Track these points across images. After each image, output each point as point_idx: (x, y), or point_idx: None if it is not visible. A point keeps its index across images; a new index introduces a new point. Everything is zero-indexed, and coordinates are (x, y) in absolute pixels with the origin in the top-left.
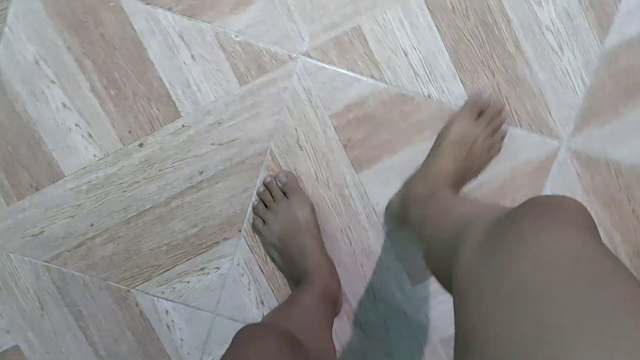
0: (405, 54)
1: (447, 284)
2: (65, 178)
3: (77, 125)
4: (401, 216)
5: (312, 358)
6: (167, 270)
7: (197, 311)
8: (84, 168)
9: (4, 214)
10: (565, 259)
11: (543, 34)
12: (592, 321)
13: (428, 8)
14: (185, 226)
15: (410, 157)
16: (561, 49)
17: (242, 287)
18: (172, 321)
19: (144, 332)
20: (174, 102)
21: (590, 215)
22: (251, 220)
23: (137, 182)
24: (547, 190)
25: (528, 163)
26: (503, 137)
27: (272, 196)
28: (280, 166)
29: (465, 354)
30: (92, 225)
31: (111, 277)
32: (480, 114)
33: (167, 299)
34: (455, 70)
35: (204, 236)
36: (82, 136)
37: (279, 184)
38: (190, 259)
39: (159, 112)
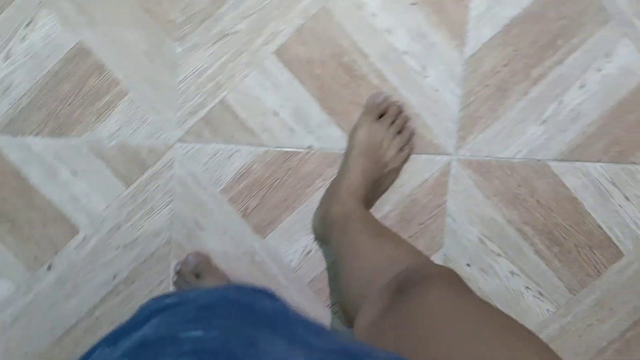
0: (276, 113)
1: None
2: None
3: None
4: (324, 236)
5: None
6: None
7: None
8: None
9: None
10: (449, 310)
11: (402, 60)
12: (473, 352)
13: (284, 65)
14: None
15: (310, 209)
16: (424, 68)
17: None
18: None
19: None
20: (69, 220)
21: (458, 275)
22: None
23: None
24: (450, 206)
25: (424, 184)
26: (412, 134)
27: (187, 282)
28: (187, 251)
29: None
30: (26, 353)
31: None
32: (382, 116)
33: None
34: (328, 116)
35: None
36: None
37: (189, 268)
38: None
39: (55, 233)
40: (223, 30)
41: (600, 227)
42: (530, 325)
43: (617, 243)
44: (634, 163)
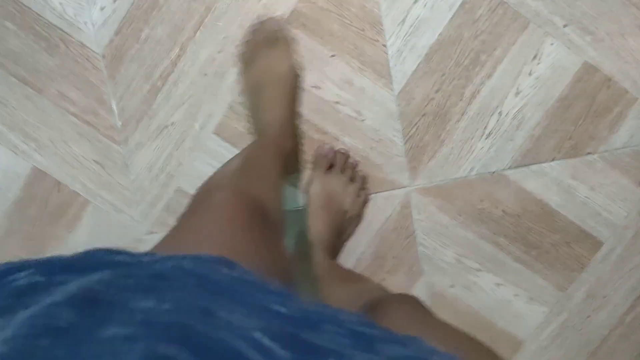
0: None
1: None
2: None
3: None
4: None
5: (274, 228)
6: None
7: None
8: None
9: None
10: (412, 328)
11: (337, 110)
12: None
13: (226, 141)
14: None
15: None
16: (359, 113)
17: None
18: None
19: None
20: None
21: (420, 300)
22: None
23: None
24: (419, 235)
25: (389, 220)
26: (364, 178)
27: (261, 39)
28: None
29: None
30: None
31: None
32: (331, 166)
33: None
34: None
35: None
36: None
37: (271, 30)
38: None
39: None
40: (160, 124)
41: (572, 222)
42: (527, 330)
43: (594, 233)
44: (590, 153)
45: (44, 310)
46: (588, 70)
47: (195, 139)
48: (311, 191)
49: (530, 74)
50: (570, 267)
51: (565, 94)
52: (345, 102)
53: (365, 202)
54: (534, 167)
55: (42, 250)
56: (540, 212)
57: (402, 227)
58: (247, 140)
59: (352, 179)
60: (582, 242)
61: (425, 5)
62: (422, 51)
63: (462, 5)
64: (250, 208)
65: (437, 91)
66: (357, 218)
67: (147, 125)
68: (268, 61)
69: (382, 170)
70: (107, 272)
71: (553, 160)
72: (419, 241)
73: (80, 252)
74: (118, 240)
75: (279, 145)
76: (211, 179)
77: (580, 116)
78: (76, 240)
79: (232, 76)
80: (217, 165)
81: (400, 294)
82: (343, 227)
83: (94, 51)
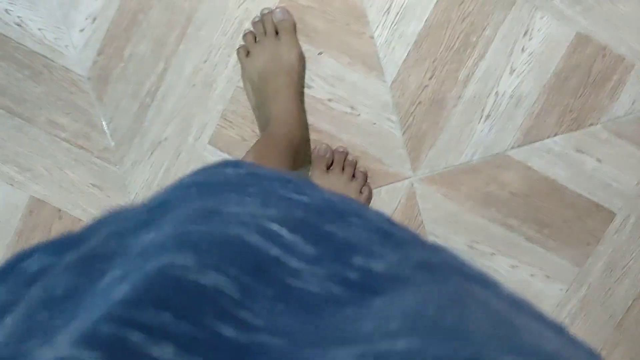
0: None
1: None
2: None
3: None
4: None
5: None
6: None
7: None
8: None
9: None
10: None
11: (330, 107)
12: None
13: (222, 150)
14: None
15: None
16: (353, 108)
17: None
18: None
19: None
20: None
21: None
22: None
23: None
24: (428, 224)
25: (396, 213)
26: (365, 174)
27: (265, 30)
28: None
29: None
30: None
31: None
32: (330, 166)
33: None
34: None
35: None
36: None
37: (275, 20)
38: None
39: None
40: (154, 140)
41: (582, 196)
42: (547, 308)
43: (606, 205)
44: (593, 124)
45: (40, 285)
46: (581, 40)
47: (191, 152)
48: None
49: (523, 50)
50: (585, 241)
51: (560, 67)
52: (338, 99)
53: (368, 198)
54: (537, 144)
55: None
56: (549, 189)
57: (410, 218)
58: (243, 147)
59: (352, 177)
60: (595, 215)
61: None
62: (411, 39)
63: None
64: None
65: (430, 78)
66: None
67: (141, 143)
68: (275, 51)
69: (383, 164)
70: (107, 228)
71: (556, 135)
72: (429, 231)
73: (89, 223)
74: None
75: (290, 135)
76: None
77: (579, 88)
78: None
79: (221, 84)
80: None
81: None
82: None
83: (78, 74)
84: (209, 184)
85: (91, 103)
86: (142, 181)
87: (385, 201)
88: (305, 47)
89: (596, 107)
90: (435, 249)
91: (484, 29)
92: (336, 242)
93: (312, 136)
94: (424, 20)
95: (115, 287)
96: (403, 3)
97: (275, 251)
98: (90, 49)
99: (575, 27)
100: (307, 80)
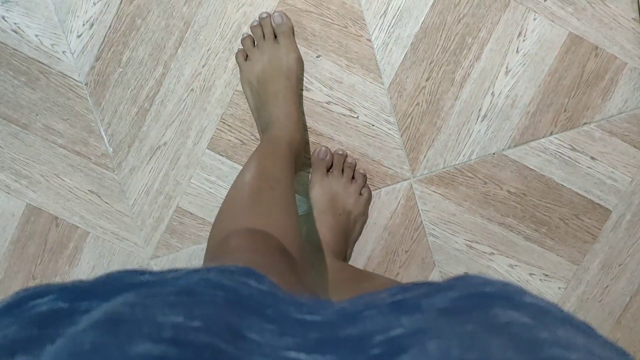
0: None
1: None
2: None
3: None
4: None
5: (295, 263)
6: None
7: None
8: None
9: None
10: None
11: (329, 110)
12: None
13: (221, 155)
14: None
15: None
16: (352, 110)
17: None
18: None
19: None
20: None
21: None
22: None
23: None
24: (427, 225)
25: (395, 214)
26: (364, 176)
27: (263, 34)
28: None
29: None
30: None
31: None
32: (330, 168)
33: None
34: None
35: None
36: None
37: (273, 24)
38: None
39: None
40: (153, 145)
41: (578, 194)
42: None
43: (601, 202)
44: (587, 123)
45: (69, 339)
46: (574, 41)
47: (190, 156)
48: (312, 196)
49: (517, 51)
50: (582, 239)
51: (554, 67)
52: (336, 101)
53: (368, 199)
54: (533, 143)
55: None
56: (545, 188)
57: (410, 219)
58: (242, 151)
59: (352, 179)
60: (591, 213)
61: None
62: (408, 41)
63: None
64: (269, 249)
65: (427, 79)
66: (362, 217)
67: (139, 149)
68: (273, 55)
69: (382, 165)
70: (131, 294)
71: (551, 134)
72: (429, 232)
73: (102, 276)
74: (123, 268)
75: (290, 138)
76: (225, 210)
77: (573, 87)
78: (80, 274)
79: (219, 88)
80: (215, 180)
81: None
82: (349, 228)
83: (75, 80)
84: (234, 294)
85: (88, 109)
86: (141, 187)
87: (385, 203)
88: (303, 50)
89: (589, 106)
90: (452, 284)
91: (479, 31)
92: (354, 339)
93: (311, 138)
94: (420, 22)
95: None
96: (400, 6)
97: None
98: (87, 55)
99: (568, 28)
100: (305, 83)
